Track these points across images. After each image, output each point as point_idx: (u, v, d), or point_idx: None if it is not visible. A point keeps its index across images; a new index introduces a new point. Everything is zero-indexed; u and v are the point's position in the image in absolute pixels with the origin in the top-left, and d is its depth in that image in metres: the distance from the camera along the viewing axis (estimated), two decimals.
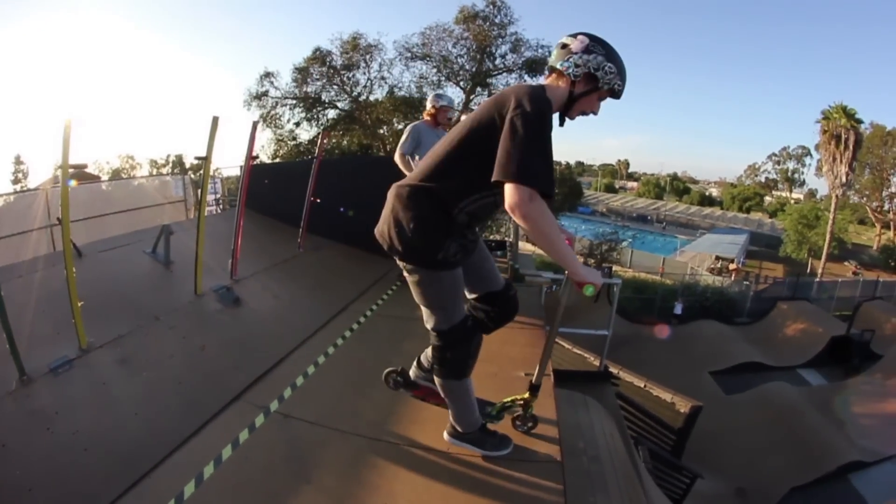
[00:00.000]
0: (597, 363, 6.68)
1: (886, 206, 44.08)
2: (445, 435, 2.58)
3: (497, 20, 19.37)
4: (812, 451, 9.79)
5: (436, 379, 2.39)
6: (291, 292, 5.48)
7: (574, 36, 2.04)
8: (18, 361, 3.17)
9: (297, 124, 20.89)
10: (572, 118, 2.12)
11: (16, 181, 32.58)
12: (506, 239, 5.51)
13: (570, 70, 2.00)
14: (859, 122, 25.03)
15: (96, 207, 7.57)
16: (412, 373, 2.77)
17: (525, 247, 14.74)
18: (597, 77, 2.00)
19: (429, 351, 2.47)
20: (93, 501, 2.44)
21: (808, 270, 29.53)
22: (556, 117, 2.04)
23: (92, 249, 5.44)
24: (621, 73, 2.03)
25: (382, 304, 5.16)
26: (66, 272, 3.53)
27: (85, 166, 4.57)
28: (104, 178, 18.91)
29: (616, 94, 2.08)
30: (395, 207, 2.13)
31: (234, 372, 3.63)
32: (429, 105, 5.00)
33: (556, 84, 2.06)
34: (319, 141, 7.42)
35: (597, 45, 2.00)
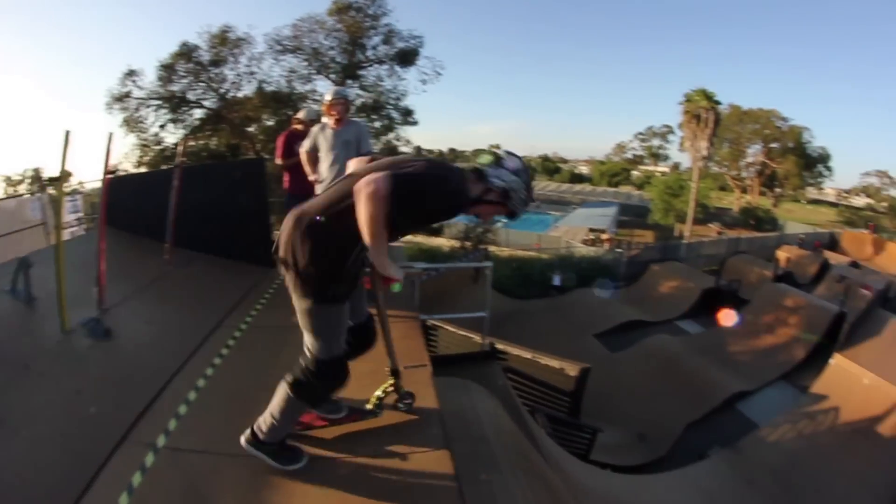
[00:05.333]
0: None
1: (743, 174, 52.19)
2: (243, 441, 2.57)
3: (371, 11, 19.22)
4: (700, 390, 10.93)
5: (286, 390, 2.41)
6: (164, 314, 5.18)
7: (511, 154, 2.33)
8: None
9: (163, 126, 19.34)
10: (466, 214, 2.36)
11: None
12: None
13: (494, 181, 2.26)
14: (718, 103, 28.25)
15: None
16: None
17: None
18: (509, 196, 2.28)
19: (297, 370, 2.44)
20: None
21: (676, 234, 32.81)
22: None
23: None
24: (526, 201, 2.34)
25: (256, 314, 4.95)
26: None
27: None
28: None
29: (513, 216, 2.38)
30: (294, 237, 2.17)
31: (116, 412, 3.37)
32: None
33: (475, 182, 2.28)
34: (180, 148, 7.06)
35: (524, 172, 2.31)
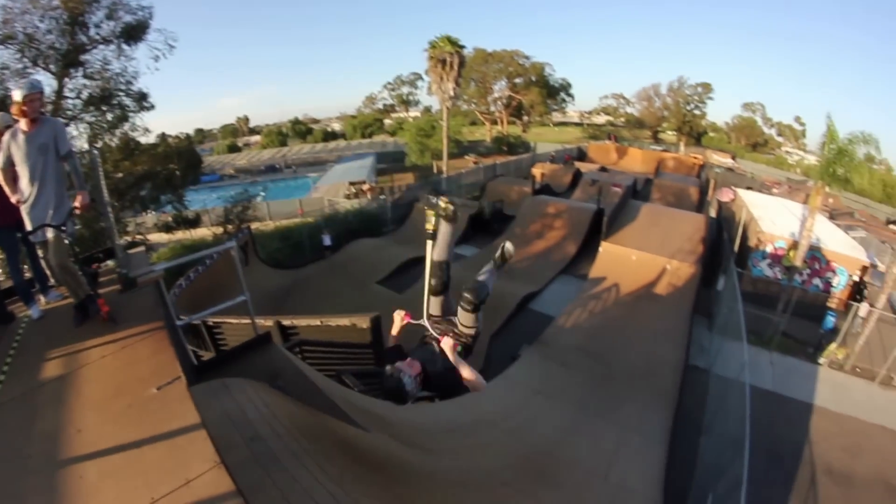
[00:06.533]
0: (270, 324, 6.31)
1: (492, 108, 59.66)
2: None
3: None
4: (492, 302, 11.48)
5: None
6: None
7: None
8: None
9: None
10: None
11: None
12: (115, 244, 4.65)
13: None
14: (462, 47, 29.89)
15: None
16: None
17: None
18: None
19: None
20: None
21: (435, 171, 35.16)
22: None
23: None
24: None
25: (1, 387, 3.76)
26: None
27: None
28: None
29: None
30: None
31: None
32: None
33: None
34: None
35: None
